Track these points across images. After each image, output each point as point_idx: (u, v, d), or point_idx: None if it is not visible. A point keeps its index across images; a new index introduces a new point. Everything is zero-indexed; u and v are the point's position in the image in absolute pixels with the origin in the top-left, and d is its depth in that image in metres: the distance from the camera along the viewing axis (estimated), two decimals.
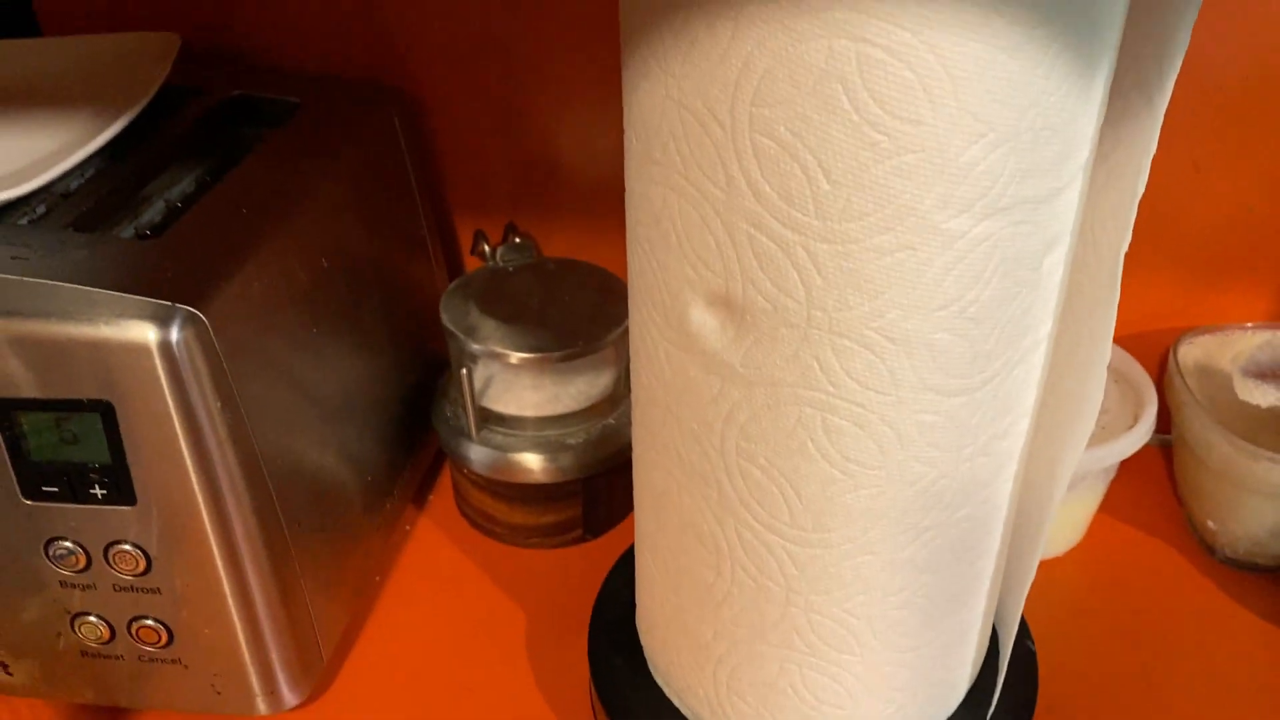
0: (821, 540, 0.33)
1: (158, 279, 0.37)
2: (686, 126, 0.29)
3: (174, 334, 0.36)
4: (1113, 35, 0.28)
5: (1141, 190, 0.31)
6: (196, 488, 0.38)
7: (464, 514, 0.55)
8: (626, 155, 0.33)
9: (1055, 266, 0.31)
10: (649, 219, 0.32)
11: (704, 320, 0.32)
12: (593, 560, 0.53)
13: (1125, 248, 0.31)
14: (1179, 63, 0.30)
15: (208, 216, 0.42)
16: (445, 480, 0.58)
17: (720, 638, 0.38)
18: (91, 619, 0.42)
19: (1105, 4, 0.27)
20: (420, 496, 0.57)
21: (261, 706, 0.44)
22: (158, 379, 0.36)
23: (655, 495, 0.38)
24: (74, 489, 0.39)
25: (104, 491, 0.38)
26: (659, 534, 0.38)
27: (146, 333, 0.36)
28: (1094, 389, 0.34)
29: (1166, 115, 0.50)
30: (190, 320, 0.36)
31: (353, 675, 0.48)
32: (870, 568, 0.34)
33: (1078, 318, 0.35)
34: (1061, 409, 0.36)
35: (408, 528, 0.55)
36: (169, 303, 0.36)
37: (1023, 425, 0.34)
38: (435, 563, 0.54)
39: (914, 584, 0.35)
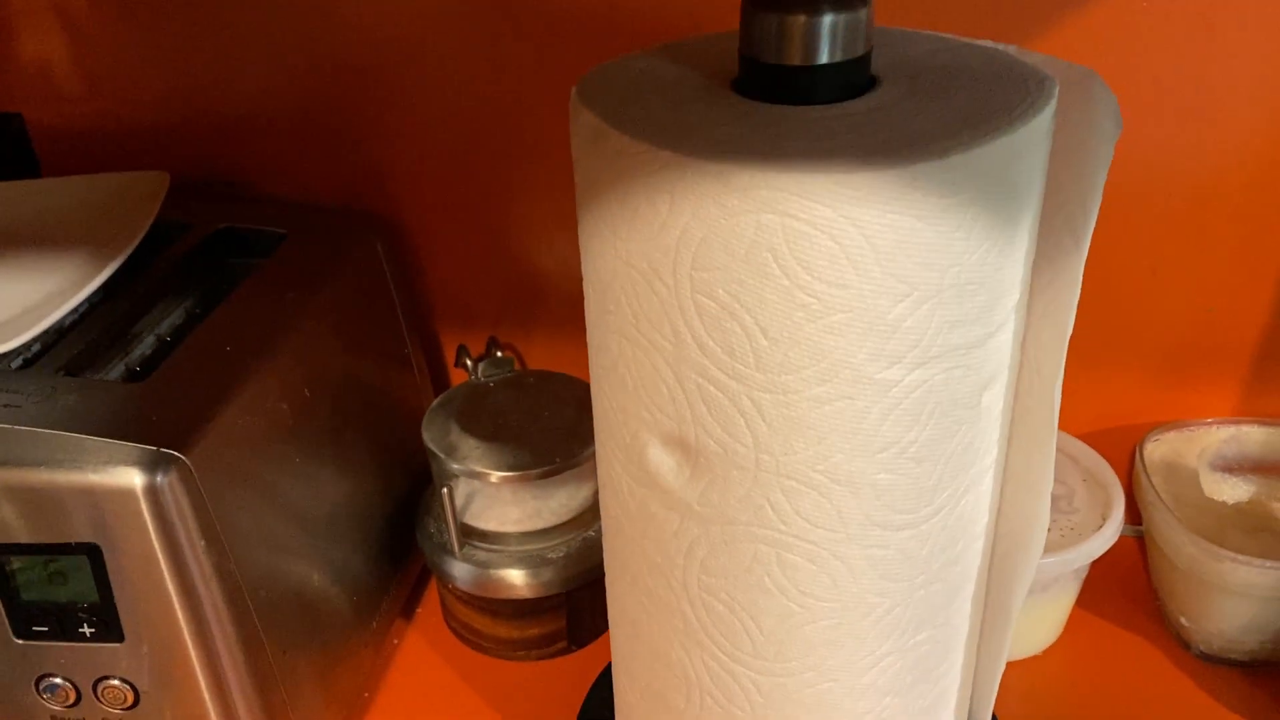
0: (784, 669, 0.34)
1: (143, 425, 0.39)
2: (635, 284, 0.30)
3: (159, 479, 0.38)
4: (1034, 189, 0.30)
5: (1070, 329, 0.32)
6: (183, 623, 0.40)
7: (450, 627, 0.56)
8: (586, 304, 0.34)
9: (995, 400, 0.33)
10: (607, 363, 0.34)
11: (661, 460, 0.33)
12: (578, 671, 0.54)
13: (1059, 383, 0.33)
14: (1097, 205, 0.31)
15: (193, 357, 0.43)
16: (433, 593, 0.59)
17: None
18: None
19: (1021, 168, 0.29)
20: (408, 609, 0.58)
21: None
22: (144, 522, 0.38)
23: (627, 621, 0.39)
24: (63, 627, 0.40)
25: (92, 630, 0.40)
26: (632, 658, 0.39)
27: (132, 478, 0.37)
28: (1042, 507, 0.36)
29: (1125, 221, 0.52)
30: (174, 464, 0.38)
31: None
32: (833, 694, 0.35)
33: (1027, 438, 0.36)
34: (1016, 525, 0.37)
35: (395, 642, 0.56)
36: (154, 448, 0.38)
37: (976, 548, 0.36)
38: (423, 677, 0.54)
39: (878, 707, 0.36)
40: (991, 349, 0.31)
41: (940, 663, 0.36)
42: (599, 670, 0.52)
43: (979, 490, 0.34)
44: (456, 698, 0.53)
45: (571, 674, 0.54)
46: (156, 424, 0.39)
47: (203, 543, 0.39)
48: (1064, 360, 0.33)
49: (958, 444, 0.32)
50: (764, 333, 0.28)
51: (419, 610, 0.58)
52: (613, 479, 0.36)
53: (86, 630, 0.40)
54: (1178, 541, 0.49)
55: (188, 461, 0.38)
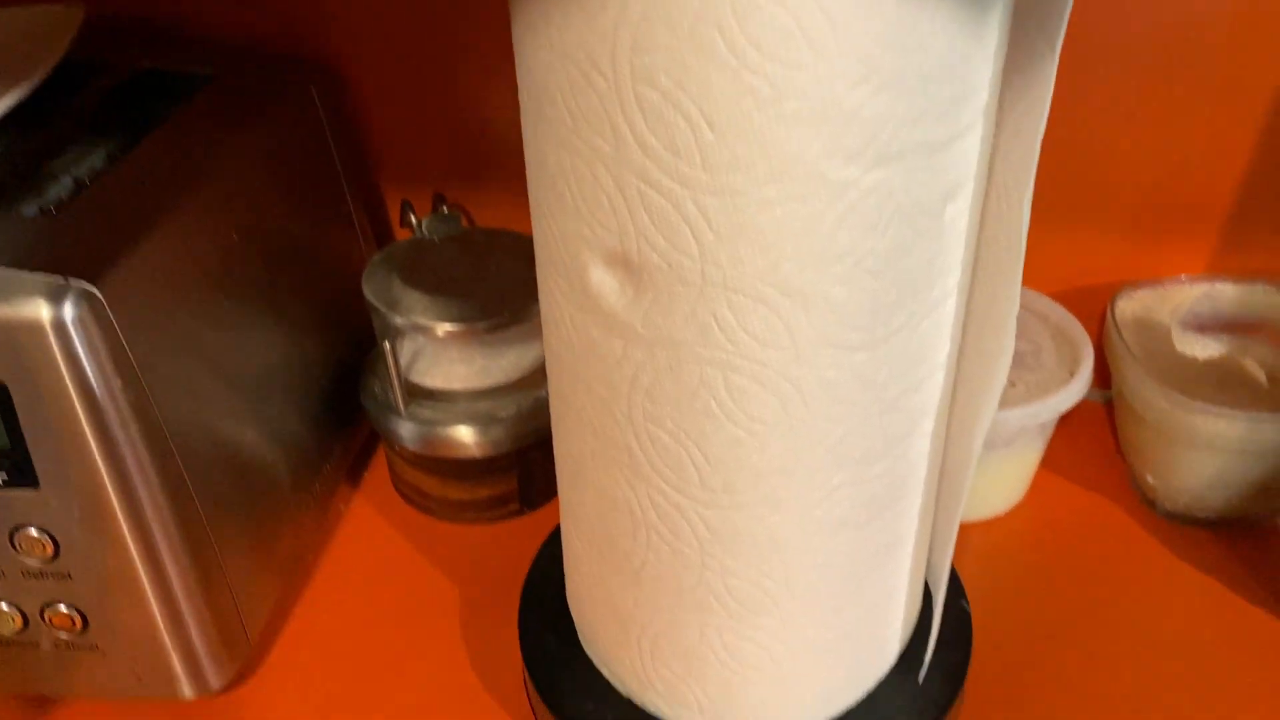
0: (732, 502, 0.32)
1: (51, 255, 0.36)
2: (572, 80, 0.28)
3: (67, 311, 0.35)
4: None
5: (1040, 136, 0.30)
6: (101, 468, 0.37)
7: (399, 491, 0.54)
8: (523, 115, 0.32)
9: (959, 215, 0.30)
10: (545, 180, 0.31)
11: (603, 280, 0.31)
12: (530, 533, 0.52)
13: (1029, 197, 0.31)
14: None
15: (109, 192, 0.41)
16: (380, 458, 0.57)
17: (641, 605, 0.37)
18: (3, 607, 0.41)
19: None
20: (355, 474, 0.56)
21: (185, 690, 0.43)
22: (53, 357, 0.35)
23: (573, 464, 0.37)
24: None
25: (3, 475, 0.37)
26: (579, 503, 0.38)
27: (39, 310, 0.35)
28: (1005, 342, 0.34)
29: (1100, 67, 0.50)
30: (85, 297, 0.35)
31: (283, 655, 0.48)
32: (783, 528, 0.33)
33: (992, 268, 0.34)
34: (979, 363, 0.36)
35: (342, 506, 0.54)
36: (62, 279, 0.35)
37: (937, 378, 0.34)
38: (370, 541, 0.53)
39: (830, 544, 0.34)
40: (957, 153, 0.29)
41: (897, 500, 0.35)
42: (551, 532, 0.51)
43: (940, 314, 0.32)
44: (405, 562, 0.52)
45: (523, 536, 0.52)
46: (65, 256, 0.36)
47: (119, 381, 0.37)
48: (1033, 181, 0.31)
49: (919, 259, 0.30)
50: (710, 125, 0.26)
51: (366, 475, 0.56)
52: (555, 311, 0.34)
53: None
54: (1147, 395, 0.48)
55: (99, 294, 0.36)
